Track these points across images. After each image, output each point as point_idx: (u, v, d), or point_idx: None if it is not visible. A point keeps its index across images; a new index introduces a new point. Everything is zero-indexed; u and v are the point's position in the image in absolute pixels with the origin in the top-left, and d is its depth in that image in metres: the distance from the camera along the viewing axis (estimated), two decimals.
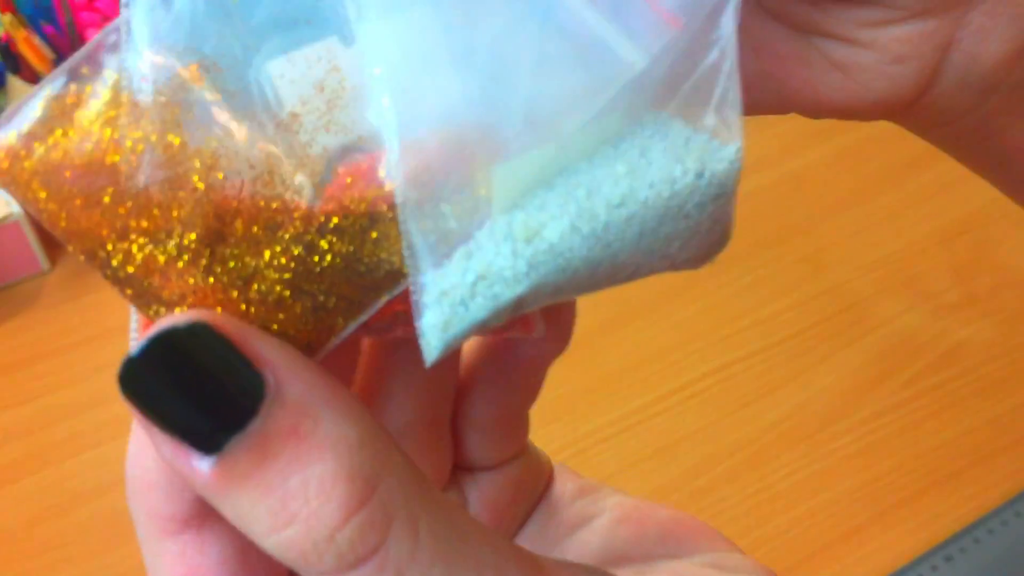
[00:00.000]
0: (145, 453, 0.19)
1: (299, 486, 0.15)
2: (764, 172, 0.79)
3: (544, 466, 0.28)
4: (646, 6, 0.17)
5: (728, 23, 0.17)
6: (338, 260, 0.16)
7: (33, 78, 0.65)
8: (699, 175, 0.17)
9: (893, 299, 0.71)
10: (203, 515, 0.19)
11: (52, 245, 0.72)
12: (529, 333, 0.22)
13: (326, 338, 0.17)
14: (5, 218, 0.65)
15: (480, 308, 0.16)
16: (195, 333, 0.15)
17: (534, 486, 0.27)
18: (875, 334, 0.69)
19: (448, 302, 0.16)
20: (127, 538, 0.58)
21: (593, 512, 0.26)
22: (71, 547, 0.58)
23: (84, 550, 0.58)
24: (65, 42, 0.64)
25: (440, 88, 0.15)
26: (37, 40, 0.63)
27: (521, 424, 0.27)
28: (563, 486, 0.28)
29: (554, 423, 0.63)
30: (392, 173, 0.16)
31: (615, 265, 0.17)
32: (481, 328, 0.16)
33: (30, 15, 0.63)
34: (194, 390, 0.16)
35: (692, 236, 0.17)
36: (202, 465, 0.16)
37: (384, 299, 0.17)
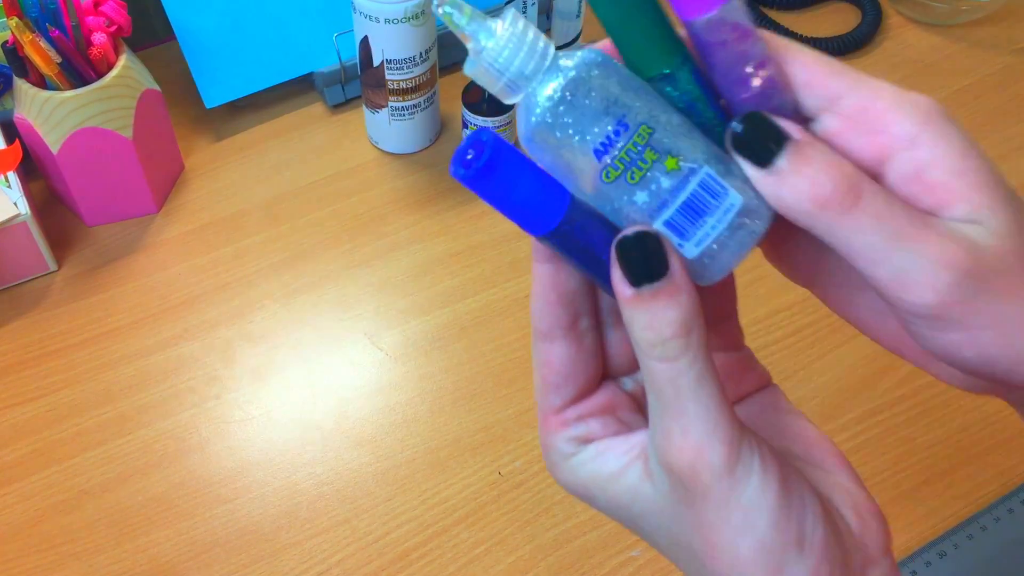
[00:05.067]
0: (542, 295, 0.31)
1: (660, 318, 0.28)
2: None
3: (760, 374, 0.36)
4: None
5: None
6: None
7: (40, 81, 0.66)
8: None
9: None
10: (550, 333, 0.32)
11: (59, 246, 0.73)
12: None
13: None
14: (13, 219, 0.66)
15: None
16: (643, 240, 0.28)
17: (743, 379, 0.36)
18: None
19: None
20: (132, 534, 0.59)
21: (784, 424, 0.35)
22: (77, 543, 0.59)
23: (90, 546, 0.59)
24: (71, 45, 0.65)
25: None
26: (43, 43, 0.64)
27: (731, 323, 0.37)
28: (774, 398, 0.36)
29: None
30: None
31: None
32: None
33: (36, 18, 0.64)
34: (640, 265, 0.28)
35: None
36: (627, 291, 0.28)
37: None
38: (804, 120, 0.29)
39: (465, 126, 0.78)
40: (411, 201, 0.77)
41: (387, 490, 0.61)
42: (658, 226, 0.29)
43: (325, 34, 0.81)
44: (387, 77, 0.74)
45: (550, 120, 0.27)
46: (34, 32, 0.64)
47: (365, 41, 0.72)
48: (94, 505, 0.61)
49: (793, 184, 0.27)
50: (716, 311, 0.34)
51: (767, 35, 0.28)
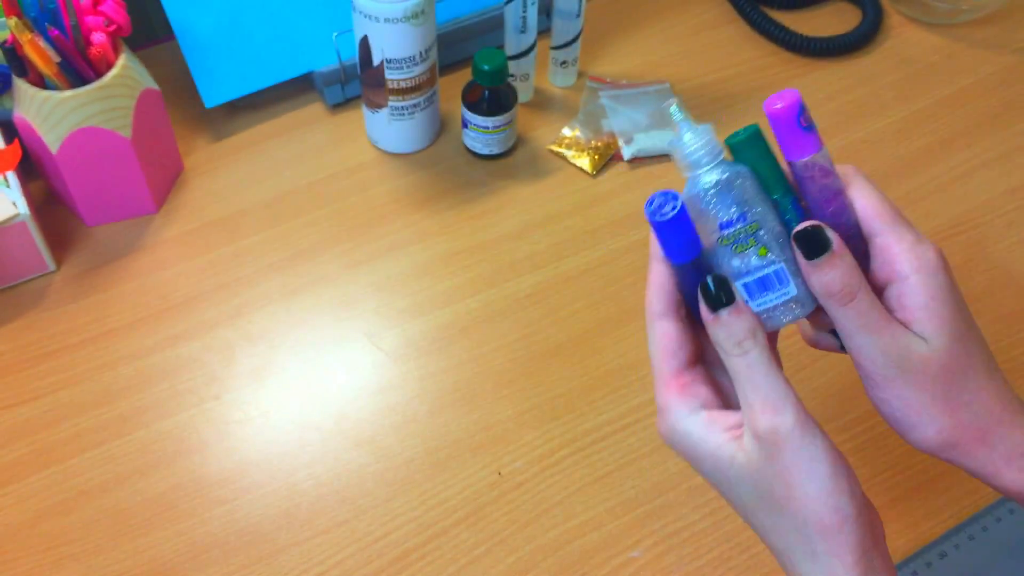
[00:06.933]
0: (660, 283, 0.43)
1: (736, 328, 0.41)
2: None
3: None
4: None
5: None
6: None
7: (39, 81, 0.66)
8: None
9: None
10: (666, 314, 0.43)
11: (58, 246, 0.73)
12: None
13: None
14: (12, 219, 0.66)
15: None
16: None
17: None
18: None
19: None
20: (131, 535, 0.59)
21: None
22: (75, 544, 0.59)
23: (88, 547, 0.59)
24: (70, 45, 0.65)
25: None
26: (42, 43, 0.64)
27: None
28: None
29: (553, 421, 0.64)
30: None
31: None
32: None
33: (35, 18, 0.64)
34: (715, 297, 0.41)
35: None
36: (709, 315, 0.41)
37: None
38: (863, 236, 0.42)
39: (465, 125, 0.78)
40: (411, 201, 0.77)
41: (387, 491, 0.61)
42: (739, 285, 0.41)
43: (324, 33, 0.80)
44: (387, 76, 0.74)
45: (704, 196, 0.41)
46: (33, 31, 0.64)
47: (365, 40, 0.72)
48: (93, 506, 0.60)
49: (819, 276, 0.40)
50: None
51: (847, 169, 0.42)
